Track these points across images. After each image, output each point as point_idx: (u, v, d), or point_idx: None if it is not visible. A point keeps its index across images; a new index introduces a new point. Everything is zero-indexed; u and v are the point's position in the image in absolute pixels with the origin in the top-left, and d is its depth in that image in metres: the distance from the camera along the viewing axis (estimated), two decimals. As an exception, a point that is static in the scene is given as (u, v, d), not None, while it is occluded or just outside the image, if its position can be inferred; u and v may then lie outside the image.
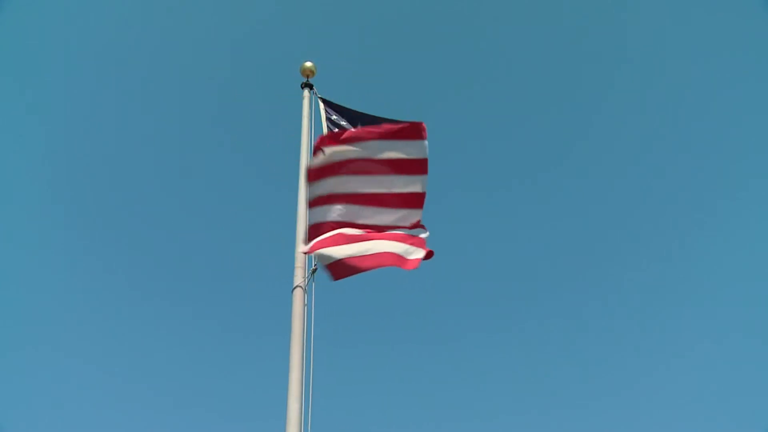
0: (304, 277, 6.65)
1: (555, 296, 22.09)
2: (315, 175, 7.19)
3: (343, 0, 24.72)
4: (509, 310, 22.28)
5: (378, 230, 7.38)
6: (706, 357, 19.07)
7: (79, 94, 22.17)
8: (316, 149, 7.25)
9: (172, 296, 21.22)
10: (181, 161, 23.25)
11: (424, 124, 7.42)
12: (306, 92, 8.64)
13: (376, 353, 20.85)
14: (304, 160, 7.68)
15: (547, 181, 23.86)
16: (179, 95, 23.57)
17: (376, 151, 7.42)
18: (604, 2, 23.83)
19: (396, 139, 7.42)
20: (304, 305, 6.49)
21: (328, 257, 6.86)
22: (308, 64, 8.90)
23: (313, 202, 7.16)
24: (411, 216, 7.46)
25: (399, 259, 7.10)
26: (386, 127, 7.49)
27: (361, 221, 7.40)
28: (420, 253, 7.15)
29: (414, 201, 7.46)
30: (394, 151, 7.41)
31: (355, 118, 8.12)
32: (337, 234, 7.11)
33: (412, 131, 7.40)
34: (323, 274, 6.83)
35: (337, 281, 6.92)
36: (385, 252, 7.11)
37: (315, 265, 6.81)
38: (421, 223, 7.47)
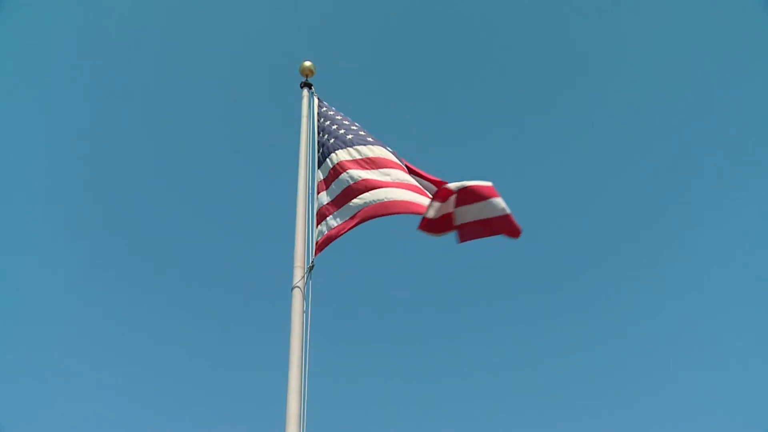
0: (303, 276, 6.65)
1: (555, 296, 22.13)
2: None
3: (343, 0, 24.78)
4: (508, 310, 22.31)
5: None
6: (706, 357, 19.11)
7: (79, 94, 22.24)
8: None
9: (171, 296, 21.27)
10: (181, 161, 23.31)
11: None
12: (305, 92, 8.65)
13: (376, 352, 20.90)
14: (304, 160, 7.67)
15: (547, 181, 23.92)
16: (179, 95, 23.63)
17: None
18: (604, 2, 23.88)
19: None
20: (304, 305, 6.49)
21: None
22: (307, 63, 8.90)
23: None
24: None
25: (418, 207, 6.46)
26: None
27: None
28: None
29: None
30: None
31: (347, 128, 7.84)
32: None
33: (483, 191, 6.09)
34: (322, 274, 6.80)
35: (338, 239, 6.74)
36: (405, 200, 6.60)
37: (312, 262, 6.80)
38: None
